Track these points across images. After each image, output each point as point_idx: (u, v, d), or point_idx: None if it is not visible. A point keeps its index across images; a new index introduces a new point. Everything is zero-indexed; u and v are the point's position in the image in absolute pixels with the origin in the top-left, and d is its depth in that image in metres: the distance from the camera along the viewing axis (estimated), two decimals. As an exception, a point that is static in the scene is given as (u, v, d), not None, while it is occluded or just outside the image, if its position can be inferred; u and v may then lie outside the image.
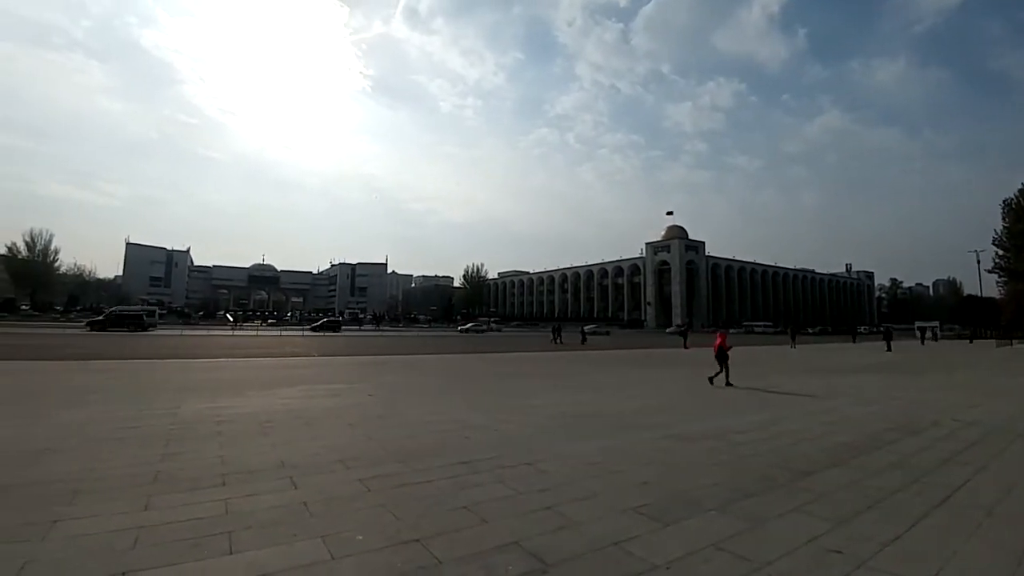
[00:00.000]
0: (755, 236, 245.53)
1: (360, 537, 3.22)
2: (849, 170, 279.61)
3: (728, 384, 11.77)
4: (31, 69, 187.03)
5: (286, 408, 8.09)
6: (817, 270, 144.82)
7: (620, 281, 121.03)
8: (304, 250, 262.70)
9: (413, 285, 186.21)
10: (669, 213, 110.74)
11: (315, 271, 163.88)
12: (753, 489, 4.36)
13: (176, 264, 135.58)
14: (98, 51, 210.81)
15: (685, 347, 31.57)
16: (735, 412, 8.54)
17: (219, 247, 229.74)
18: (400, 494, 4.07)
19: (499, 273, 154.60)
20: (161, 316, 77.30)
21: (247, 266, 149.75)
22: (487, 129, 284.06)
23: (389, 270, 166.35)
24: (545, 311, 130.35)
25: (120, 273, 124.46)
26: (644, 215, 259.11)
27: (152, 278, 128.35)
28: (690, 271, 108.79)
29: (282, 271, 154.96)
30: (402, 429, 6.64)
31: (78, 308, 77.72)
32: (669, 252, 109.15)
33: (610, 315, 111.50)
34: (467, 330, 63.62)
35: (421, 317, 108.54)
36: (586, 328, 49.21)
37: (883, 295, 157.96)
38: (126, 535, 3.19)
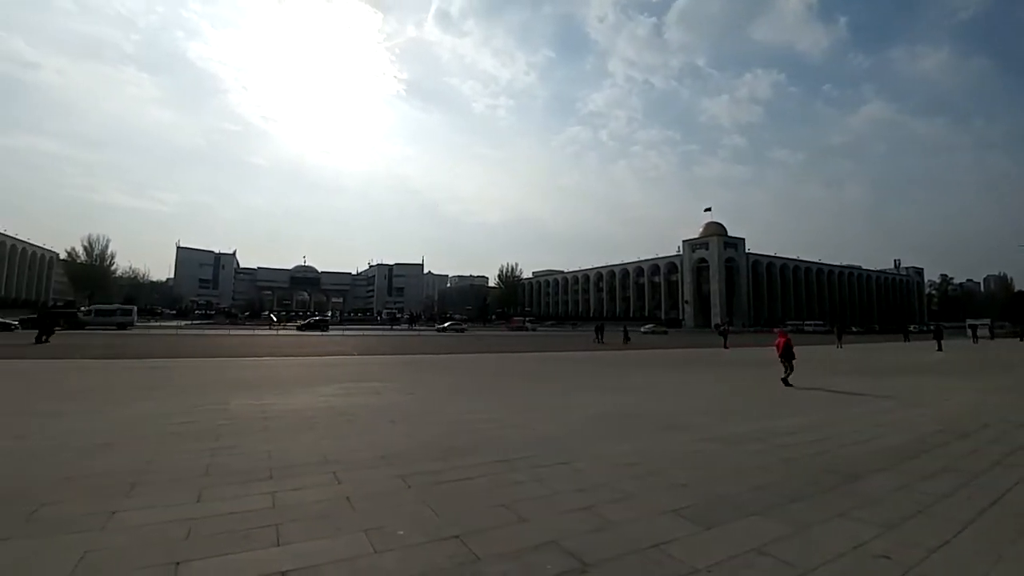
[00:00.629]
0: (798, 232, 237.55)
1: (401, 532, 3.29)
2: (896, 162, 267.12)
3: (787, 384, 11.43)
4: (86, 83, 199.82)
5: (328, 405, 8.33)
6: (864, 267, 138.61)
7: (656, 280, 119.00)
8: (343, 251, 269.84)
9: (448, 285, 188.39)
10: (707, 209, 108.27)
11: (354, 272, 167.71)
12: (798, 493, 4.24)
13: (223, 266, 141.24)
14: (148, 64, 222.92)
15: (725, 347, 30.79)
16: (779, 414, 8.29)
17: (263, 249, 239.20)
18: (439, 491, 4.13)
19: (533, 273, 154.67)
20: (210, 316, 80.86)
21: (289, 267, 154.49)
22: (519, 129, 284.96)
23: (425, 270, 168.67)
24: (580, 310, 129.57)
25: (172, 275, 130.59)
26: (680, 212, 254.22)
27: (201, 280, 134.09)
28: (729, 269, 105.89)
29: (322, 272, 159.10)
30: (440, 427, 6.73)
31: (131, 308, 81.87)
32: (707, 249, 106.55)
33: (647, 314, 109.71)
34: (444, 329, 61.21)
35: (456, 317, 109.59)
36: (643, 328, 48.20)
37: (933, 292, 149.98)
38: (180, 526, 3.35)
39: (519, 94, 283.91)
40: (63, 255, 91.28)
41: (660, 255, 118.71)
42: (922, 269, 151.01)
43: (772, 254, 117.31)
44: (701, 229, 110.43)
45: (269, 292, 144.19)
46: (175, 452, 5.23)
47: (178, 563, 2.82)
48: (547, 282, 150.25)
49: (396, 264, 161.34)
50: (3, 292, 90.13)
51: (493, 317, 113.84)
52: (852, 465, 5.15)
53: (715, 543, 3.23)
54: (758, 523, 3.58)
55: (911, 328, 69.33)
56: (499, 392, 10.58)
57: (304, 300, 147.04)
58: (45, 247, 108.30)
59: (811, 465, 5.16)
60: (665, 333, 58.41)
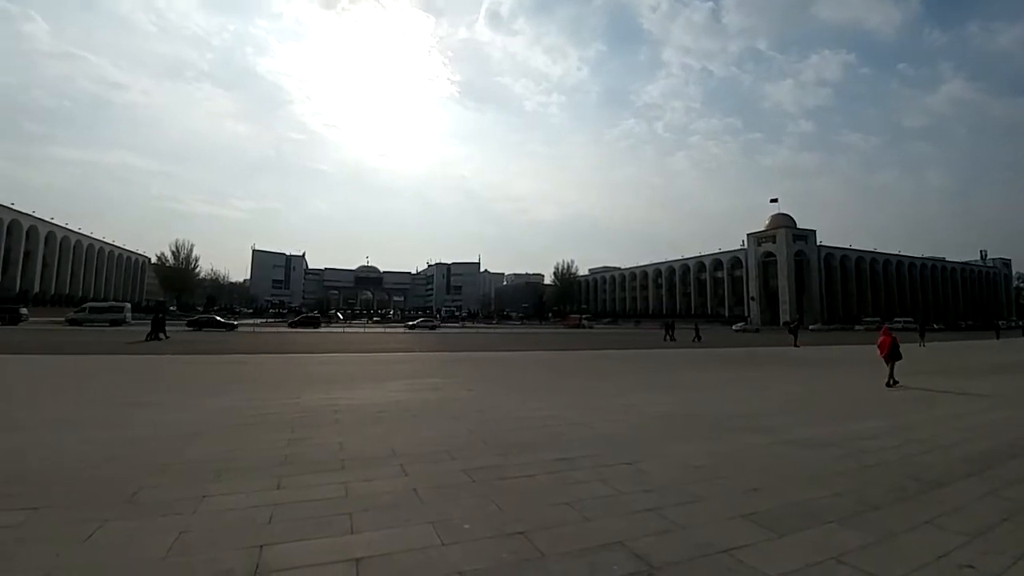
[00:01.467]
0: (873, 222, 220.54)
1: (467, 526, 3.35)
2: (980, 145, 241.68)
3: (891, 385, 10.74)
4: (168, 101, 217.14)
5: (394, 400, 8.62)
6: (948, 258, 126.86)
7: (719, 275, 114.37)
8: (402, 251, 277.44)
9: (505, 283, 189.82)
10: (773, 200, 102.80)
11: (414, 271, 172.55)
12: (879, 500, 3.99)
13: (294, 268, 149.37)
14: (223, 80, 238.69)
15: (796, 345, 29.19)
16: (858, 416, 7.78)
17: (329, 251, 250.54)
18: (503, 486, 4.18)
19: (590, 269, 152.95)
20: (283, 315, 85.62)
21: (353, 268, 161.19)
22: (572, 125, 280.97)
23: (482, 269, 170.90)
24: (638, 308, 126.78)
25: (248, 277, 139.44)
26: (744, 204, 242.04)
27: (274, 281, 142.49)
28: (799, 263, 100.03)
29: (384, 272, 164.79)
30: (501, 423, 6.80)
31: (215, 308, 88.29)
32: (774, 243, 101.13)
33: (709, 311, 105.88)
34: (414, 326, 58.74)
35: (513, 315, 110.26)
36: (735, 326, 45.85)
37: (1021, 285, 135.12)
38: (263, 511, 3.57)
39: (571, 90, 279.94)
40: (153, 259, 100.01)
41: (722, 249, 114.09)
42: (1009, 260, 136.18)
43: (846, 246, 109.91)
44: (767, 221, 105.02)
45: (336, 292, 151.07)
46: (256, 442, 5.59)
47: (262, 546, 3.01)
48: (603, 279, 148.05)
49: (454, 263, 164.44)
50: (103, 293, 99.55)
51: (549, 315, 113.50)
52: (936, 471, 4.82)
53: (790, 550, 3.08)
54: (836, 531, 3.39)
55: (1001, 324, 62.59)
56: (558, 390, 10.55)
57: (368, 299, 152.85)
58: (138, 252, 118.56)
59: (892, 471, 4.84)
60: (757, 331, 51.22)
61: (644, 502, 3.88)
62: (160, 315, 29.96)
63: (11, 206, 78.26)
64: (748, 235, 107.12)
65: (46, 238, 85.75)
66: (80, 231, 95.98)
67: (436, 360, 18.02)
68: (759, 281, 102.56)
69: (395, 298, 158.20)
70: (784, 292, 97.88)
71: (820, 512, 3.73)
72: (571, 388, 10.89)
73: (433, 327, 58.08)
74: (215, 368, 13.77)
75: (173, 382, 10.88)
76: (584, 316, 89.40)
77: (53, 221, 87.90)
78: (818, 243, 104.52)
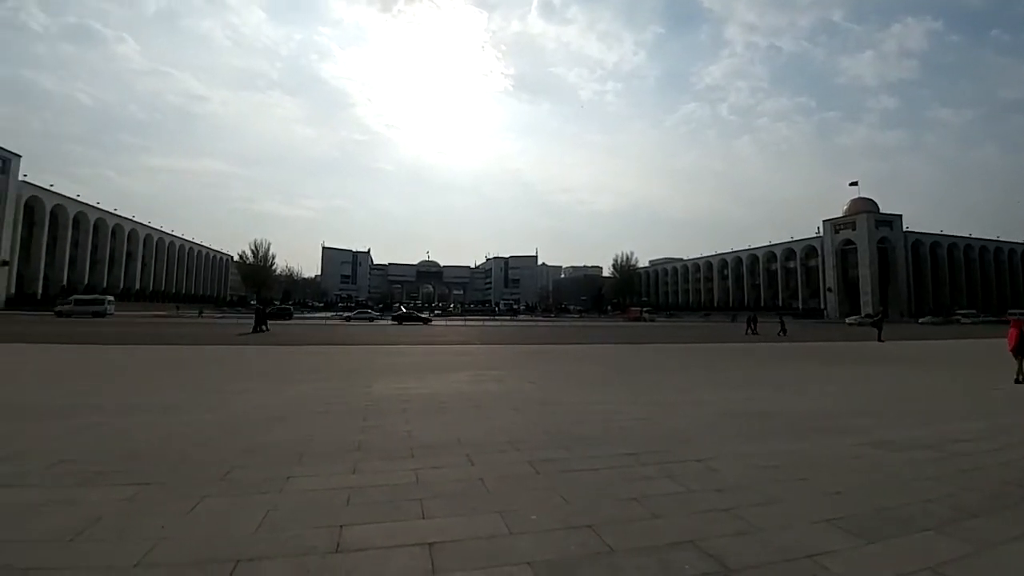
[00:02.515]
0: (969, 205, 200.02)
1: (534, 517, 3.38)
2: None
3: (1022, 380, 9.88)
4: (244, 109, 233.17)
5: (457, 391, 8.82)
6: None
7: (792, 265, 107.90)
8: (461, 245, 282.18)
9: (563, 276, 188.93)
10: (853, 183, 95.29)
11: (472, 265, 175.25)
12: (978, 508, 3.67)
13: (360, 263, 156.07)
14: (290, 87, 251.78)
15: (880, 340, 27.15)
16: (953, 418, 7.15)
17: (392, 247, 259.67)
18: (568, 479, 4.18)
19: (650, 261, 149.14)
20: (351, 308, 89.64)
21: (415, 263, 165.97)
22: (629, 112, 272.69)
23: (539, 262, 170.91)
24: (702, 300, 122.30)
25: (319, 272, 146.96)
26: (818, 189, 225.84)
27: (342, 276, 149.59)
28: (882, 251, 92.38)
29: (444, 266, 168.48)
30: (564, 416, 6.79)
31: (290, 302, 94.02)
32: (854, 229, 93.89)
33: (780, 303, 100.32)
34: (350, 318, 58.53)
35: (571, 308, 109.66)
36: (848, 319, 42.55)
37: None
38: (340, 494, 3.77)
39: (627, 76, 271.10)
40: (235, 257, 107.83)
41: (796, 238, 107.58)
42: None
43: (938, 231, 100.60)
44: (846, 206, 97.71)
45: (399, 286, 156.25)
46: (332, 428, 5.91)
47: (342, 526, 3.19)
48: (664, 271, 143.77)
49: (511, 257, 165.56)
50: (193, 289, 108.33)
51: (608, 308, 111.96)
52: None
53: (879, 559, 2.89)
54: (930, 539, 3.15)
55: None
56: (622, 384, 10.38)
57: (429, 293, 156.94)
58: (221, 251, 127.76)
59: (992, 476, 4.43)
60: (879, 324, 39.62)
61: (716, 501, 3.75)
62: (264, 308, 32.56)
63: (114, 211, 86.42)
64: (824, 221, 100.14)
65: (144, 240, 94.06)
66: (172, 232, 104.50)
67: (497, 353, 18.24)
68: (837, 271, 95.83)
69: (455, 292, 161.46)
70: (866, 283, 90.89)
71: (911, 518, 3.47)
72: (635, 382, 10.68)
73: (371, 319, 58.85)
74: (296, 358, 14.65)
75: (260, 370, 11.70)
76: (645, 309, 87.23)
77: (150, 224, 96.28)
78: (905, 229, 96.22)
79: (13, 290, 64.60)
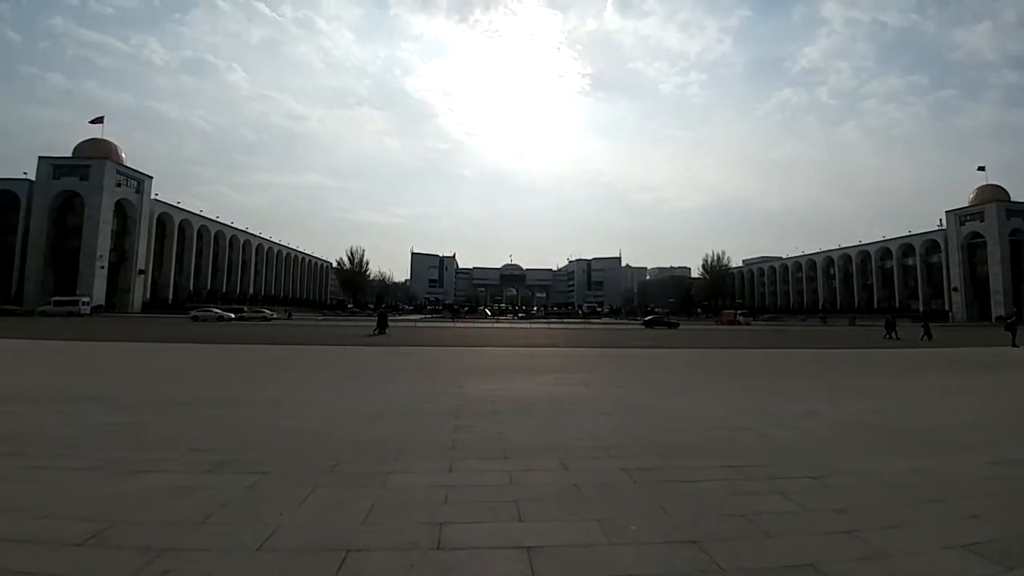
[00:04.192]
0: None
1: (633, 527, 3.25)
2: None
3: None
4: (338, 126, 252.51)
5: (544, 394, 8.80)
6: None
7: (910, 262, 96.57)
8: (542, 248, 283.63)
9: (648, 277, 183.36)
10: (980, 168, 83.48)
11: (554, 268, 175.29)
12: None
13: (446, 268, 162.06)
14: (378, 102, 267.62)
15: (1014, 345, 23.57)
16: None
17: (476, 250, 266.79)
18: (667, 490, 3.99)
19: (743, 260, 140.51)
20: (438, 311, 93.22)
21: (498, 266, 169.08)
22: (715, 103, 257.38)
23: (623, 263, 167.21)
24: (805, 302, 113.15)
25: (408, 277, 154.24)
26: (937, 176, 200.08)
27: (430, 280, 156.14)
28: (1015, 244, 79.67)
29: (527, 269, 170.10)
30: (658, 423, 6.53)
31: (383, 305, 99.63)
32: (982, 221, 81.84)
33: (898, 305, 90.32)
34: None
35: (658, 310, 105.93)
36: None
37: None
38: (438, 491, 3.86)
39: (712, 65, 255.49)
40: (334, 264, 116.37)
41: (913, 232, 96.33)
42: None
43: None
44: (972, 195, 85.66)
45: (483, 289, 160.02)
46: (427, 427, 6.10)
47: (441, 524, 3.25)
48: (761, 270, 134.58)
49: (594, 258, 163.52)
50: (296, 294, 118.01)
51: (698, 310, 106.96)
52: None
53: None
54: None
55: None
56: (718, 390, 9.82)
57: (512, 296, 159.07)
58: (321, 258, 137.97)
59: None
60: (1013, 327, 31.69)
61: (836, 522, 3.40)
62: (386, 312, 35.24)
63: (231, 224, 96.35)
64: (947, 213, 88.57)
65: (256, 249, 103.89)
66: (279, 242, 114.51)
67: (581, 356, 18.02)
68: (963, 268, 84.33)
69: (538, 294, 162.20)
70: (996, 280, 79.15)
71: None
72: (736, 389, 10.02)
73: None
74: (389, 358, 15.45)
75: (355, 369, 12.44)
76: (740, 311, 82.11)
77: (260, 235, 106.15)
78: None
79: (148, 296, 73.92)
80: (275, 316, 61.43)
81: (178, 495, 3.73)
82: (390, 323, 32.93)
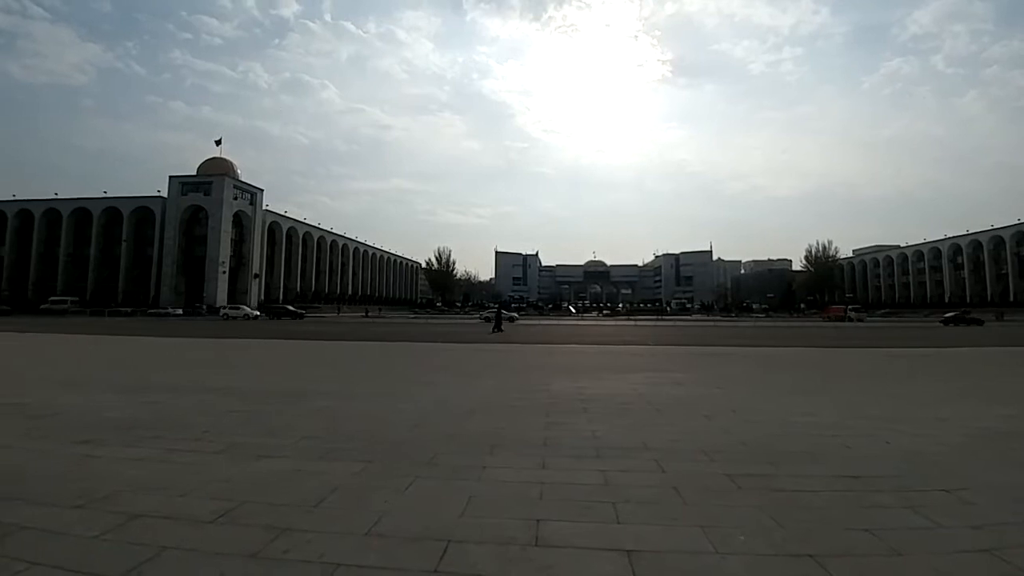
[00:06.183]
0: None
1: (742, 537, 3.06)
2: None
3: None
4: (421, 132, 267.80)
5: (636, 393, 8.56)
6: None
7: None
8: (626, 243, 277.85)
9: (743, 271, 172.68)
10: None
11: (640, 263, 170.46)
12: None
13: (529, 266, 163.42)
14: (458, 107, 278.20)
15: None
16: None
17: (558, 249, 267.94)
18: (777, 499, 3.72)
19: (854, 251, 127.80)
20: (521, 310, 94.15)
21: (581, 263, 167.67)
22: (814, 79, 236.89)
23: (714, 257, 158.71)
24: (928, 295, 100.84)
25: (493, 276, 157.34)
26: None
27: (514, 278, 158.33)
28: None
29: (611, 266, 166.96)
30: (763, 427, 6.11)
31: (469, 303, 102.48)
32: None
33: (1047, 297, 77.82)
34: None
35: (755, 306, 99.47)
36: None
37: None
38: (533, 488, 3.88)
39: (808, 39, 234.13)
40: (423, 264, 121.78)
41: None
42: None
43: None
44: None
45: (567, 286, 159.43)
46: (519, 423, 6.17)
47: (538, 520, 3.26)
48: (873, 261, 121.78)
49: (683, 253, 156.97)
50: (389, 293, 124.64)
51: (801, 306, 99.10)
52: None
53: None
54: None
55: None
56: (831, 392, 8.98)
57: (597, 293, 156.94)
58: (411, 259, 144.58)
59: None
60: None
61: (974, 540, 2.99)
62: (501, 310, 35.92)
63: (331, 230, 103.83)
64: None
65: (352, 252, 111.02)
66: (373, 244, 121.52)
67: (672, 354, 17.33)
68: None
69: (623, 291, 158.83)
70: None
71: None
72: (851, 392, 9.11)
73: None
74: (479, 355, 15.85)
75: (443, 364, 12.91)
76: (851, 306, 74.78)
77: (356, 239, 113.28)
78: None
79: (262, 297, 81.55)
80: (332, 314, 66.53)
81: (294, 479, 4.07)
82: (506, 320, 31.32)
